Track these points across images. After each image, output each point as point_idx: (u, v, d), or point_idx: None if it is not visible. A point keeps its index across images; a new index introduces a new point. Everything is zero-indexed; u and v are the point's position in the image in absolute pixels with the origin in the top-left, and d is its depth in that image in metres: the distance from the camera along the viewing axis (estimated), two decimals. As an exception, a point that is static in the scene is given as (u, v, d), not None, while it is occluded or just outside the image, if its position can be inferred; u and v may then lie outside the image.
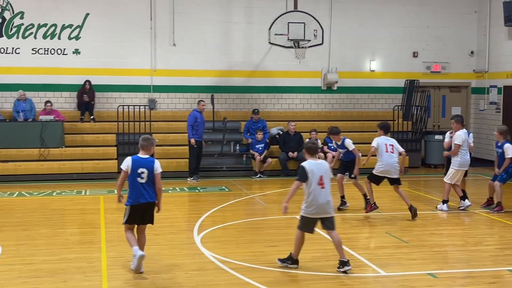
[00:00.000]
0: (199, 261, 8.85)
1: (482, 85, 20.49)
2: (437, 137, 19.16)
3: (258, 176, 16.98)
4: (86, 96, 17.76)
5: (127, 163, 8.21)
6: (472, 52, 20.65)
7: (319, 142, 17.52)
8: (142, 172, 8.13)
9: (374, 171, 11.79)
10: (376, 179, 11.80)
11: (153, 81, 18.76)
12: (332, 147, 17.49)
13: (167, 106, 18.93)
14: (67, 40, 18.12)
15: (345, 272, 8.18)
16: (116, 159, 17.07)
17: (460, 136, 12.19)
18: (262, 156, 17.14)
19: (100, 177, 16.51)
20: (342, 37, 19.66)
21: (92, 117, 17.98)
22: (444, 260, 9.02)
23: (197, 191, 15.02)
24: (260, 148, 17.27)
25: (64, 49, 18.13)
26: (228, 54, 19.15)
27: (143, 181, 8.15)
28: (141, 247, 8.25)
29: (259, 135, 17.29)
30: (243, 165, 17.64)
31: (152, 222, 8.42)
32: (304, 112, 19.65)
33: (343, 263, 8.23)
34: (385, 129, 11.96)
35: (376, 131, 12.17)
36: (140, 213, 8.28)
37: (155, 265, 8.60)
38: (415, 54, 20.34)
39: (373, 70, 20.15)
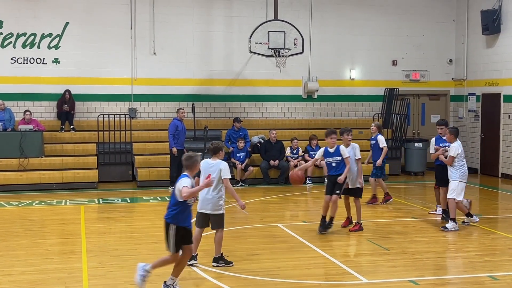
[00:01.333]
0: (181, 270, 8.81)
1: (461, 93, 20.69)
2: (416, 144, 19.30)
3: (239, 184, 16.96)
4: (66, 105, 17.66)
5: None
6: (450, 61, 20.88)
7: (300, 150, 17.59)
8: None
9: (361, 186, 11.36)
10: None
11: (133, 90, 18.71)
12: (313, 155, 17.56)
13: (147, 115, 18.88)
14: (46, 49, 18.02)
15: (219, 265, 8.90)
16: (96, 168, 16.97)
17: (455, 148, 11.37)
18: (244, 164, 17.14)
19: (80, 186, 16.39)
20: (322, 46, 19.77)
21: (72, 126, 17.87)
22: (425, 267, 9.06)
23: (178, 200, 14.94)
24: (241, 157, 17.27)
25: (44, 58, 18.02)
26: (208, 63, 19.17)
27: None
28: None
29: (241, 144, 17.29)
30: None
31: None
32: (285, 120, 19.71)
33: (217, 259, 8.96)
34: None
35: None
36: None
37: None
38: (394, 63, 20.51)
39: (353, 79, 20.28)
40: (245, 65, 19.30)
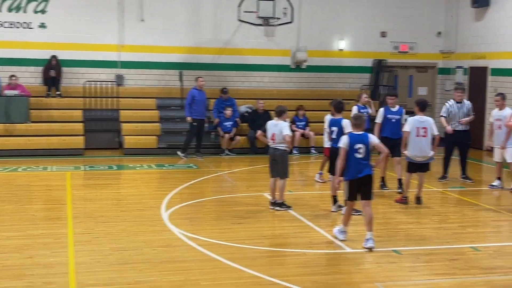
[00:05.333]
0: (167, 237, 8.87)
1: (449, 66, 20.73)
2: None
3: (225, 153, 16.98)
4: (52, 71, 17.51)
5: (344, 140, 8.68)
6: (439, 33, 20.85)
7: (288, 120, 17.54)
8: (360, 148, 8.50)
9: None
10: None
11: (120, 57, 18.55)
12: (300, 125, 17.61)
13: (134, 82, 18.76)
14: (33, 14, 17.78)
15: (281, 209, 10.37)
16: (82, 135, 16.92)
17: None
18: (232, 134, 17.11)
19: (67, 153, 16.33)
20: (312, 15, 19.65)
21: (58, 92, 17.75)
22: (408, 237, 9.18)
23: (164, 168, 14.99)
24: (228, 126, 17.24)
25: (30, 22, 17.80)
26: (197, 30, 19.02)
27: (360, 156, 8.51)
28: (367, 224, 8.57)
29: (228, 112, 17.23)
30: (211, 142, 17.59)
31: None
32: (273, 90, 19.66)
33: (280, 204, 10.54)
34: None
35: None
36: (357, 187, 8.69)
37: (122, 241, 8.60)
38: (383, 34, 20.45)
39: (341, 49, 20.22)
40: (234, 34, 19.17)
